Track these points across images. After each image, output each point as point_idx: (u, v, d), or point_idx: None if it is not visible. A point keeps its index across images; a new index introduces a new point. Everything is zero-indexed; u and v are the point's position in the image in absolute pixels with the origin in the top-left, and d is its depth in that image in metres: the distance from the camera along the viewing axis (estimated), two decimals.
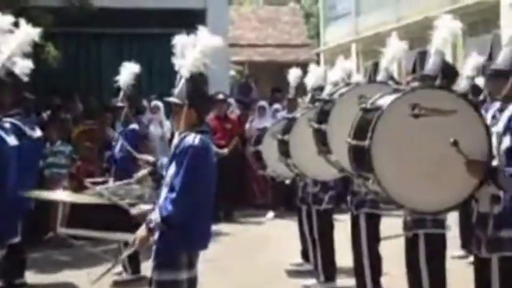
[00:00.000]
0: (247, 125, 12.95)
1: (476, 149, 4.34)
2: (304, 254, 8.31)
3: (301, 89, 8.47)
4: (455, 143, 4.22)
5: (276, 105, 13.29)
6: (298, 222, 8.21)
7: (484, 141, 4.35)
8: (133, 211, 4.79)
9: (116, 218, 5.24)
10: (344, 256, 7.17)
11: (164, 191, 4.59)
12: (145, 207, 4.74)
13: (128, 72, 8.03)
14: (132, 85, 8.03)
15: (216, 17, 14.10)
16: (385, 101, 4.51)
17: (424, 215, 5.21)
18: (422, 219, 5.34)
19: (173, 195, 4.45)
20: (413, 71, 6.08)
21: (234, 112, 13.28)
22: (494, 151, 4.41)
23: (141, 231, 4.57)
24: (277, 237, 10.37)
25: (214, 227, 8.95)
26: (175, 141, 4.68)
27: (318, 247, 7.40)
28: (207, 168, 4.57)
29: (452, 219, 7.79)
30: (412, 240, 5.47)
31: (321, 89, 7.58)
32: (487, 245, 4.47)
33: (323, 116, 5.79)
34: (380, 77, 6.47)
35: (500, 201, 4.38)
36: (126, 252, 5.03)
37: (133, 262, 7.79)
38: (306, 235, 7.81)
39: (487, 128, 4.38)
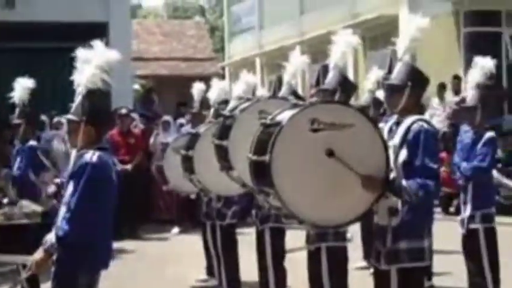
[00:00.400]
0: (151, 140, 12.82)
1: (374, 162, 4.40)
2: (209, 270, 8.26)
3: (205, 103, 8.43)
4: (330, 153, 4.26)
5: (181, 120, 13.22)
6: (203, 237, 8.16)
7: (381, 155, 4.41)
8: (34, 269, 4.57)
9: (12, 239, 5.06)
10: (249, 270, 7.15)
11: (62, 211, 4.45)
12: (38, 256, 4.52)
13: (21, 87, 7.80)
14: (28, 101, 7.81)
15: (118, 31, 13.94)
16: (284, 116, 4.52)
17: (327, 229, 5.24)
18: (324, 233, 5.38)
19: (68, 214, 4.32)
20: (317, 84, 6.13)
21: (138, 127, 13.11)
22: (392, 164, 4.48)
23: (38, 253, 4.42)
24: (183, 253, 10.27)
25: (118, 244, 8.84)
26: (73, 159, 4.55)
27: (222, 262, 7.37)
28: (105, 185, 4.46)
29: (355, 231, 7.94)
30: (314, 253, 5.50)
31: (224, 103, 7.57)
32: (385, 256, 4.54)
33: (225, 132, 5.77)
34: (282, 91, 6.51)
35: (398, 213, 4.46)
36: (23, 275, 4.85)
37: (34, 285, 7.52)
38: (211, 250, 7.76)
39: (384, 142, 4.45)
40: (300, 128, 4.37)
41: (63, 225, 4.32)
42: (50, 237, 4.37)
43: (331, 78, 5.95)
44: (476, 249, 6.54)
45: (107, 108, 4.97)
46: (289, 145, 4.35)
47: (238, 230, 7.73)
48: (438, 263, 7.72)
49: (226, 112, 6.13)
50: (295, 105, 4.70)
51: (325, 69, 6.22)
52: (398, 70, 4.75)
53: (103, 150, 4.51)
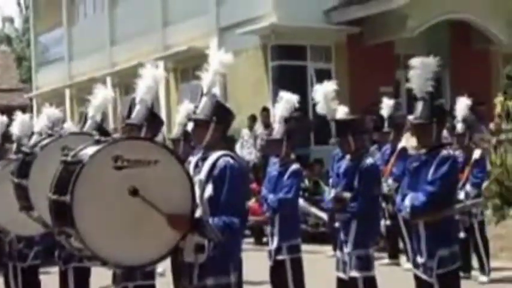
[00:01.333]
0: None
1: (180, 198, 4.32)
2: None
3: (7, 137, 7.98)
4: (134, 192, 4.16)
5: None
6: (4, 280, 7.68)
7: (187, 191, 4.34)
8: None
9: None
10: None
11: None
12: None
13: None
14: None
15: None
16: (86, 152, 4.32)
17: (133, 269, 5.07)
18: (131, 272, 5.22)
19: None
20: (129, 116, 6.00)
21: None
22: (198, 200, 4.42)
23: None
24: None
25: None
26: None
27: None
28: None
29: (168, 265, 7.80)
30: None
31: (28, 137, 7.22)
32: None
33: (24, 170, 5.46)
34: (87, 126, 6.30)
35: (205, 250, 4.39)
36: None
37: None
38: None
39: (190, 177, 4.38)
40: (102, 165, 4.19)
41: None
42: None
43: (137, 113, 5.85)
44: (284, 279, 6.64)
45: None
46: (92, 184, 4.16)
47: (44, 270, 7.37)
48: None
49: (25, 148, 5.81)
50: (98, 142, 4.51)
51: (133, 103, 6.09)
52: (204, 105, 4.71)
53: None
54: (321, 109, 7.48)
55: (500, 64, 17.40)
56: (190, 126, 8.73)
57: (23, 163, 5.58)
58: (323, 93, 7.28)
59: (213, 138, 4.59)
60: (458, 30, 17.83)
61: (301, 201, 8.96)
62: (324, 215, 10.02)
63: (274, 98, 7.50)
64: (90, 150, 4.31)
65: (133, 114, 5.81)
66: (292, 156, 7.11)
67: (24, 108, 19.98)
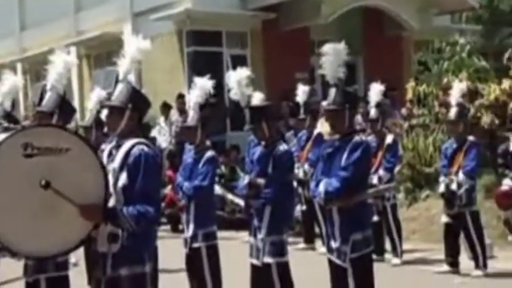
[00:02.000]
0: None
1: (93, 187, 4.24)
2: None
3: None
4: (47, 185, 4.07)
5: None
6: None
7: (100, 179, 4.26)
8: None
9: None
10: None
11: None
12: None
13: None
14: None
15: None
16: None
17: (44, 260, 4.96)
18: (43, 264, 5.10)
19: None
20: (40, 104, 5.85)
21: None
22: (112, 189, 4.34)
23: None
24: None
25: None
26: None
27: None
28: None
29: (80, 255, 7.67)
30: (33, 285, 5.25)
31: None
32: (106, 285, 4.40)
33: None
34: None
35: (118, 239, 4.33)
36: None
37: None
38: None
39: (103, 166, 4.29)
40: (12, 153, 4.06)
41: None
42: None
43: (48, 100, 5.71)
44: (200, 267, 6.63)
45: None
46: (1, 172, 4.03)
47: None
48: (165, 282, 7.71)
49: None
50: (6, 129, 4.38)
51: (44, 90, 5.94)
52: (120, 91, 4.62)
53: None
54: (234, 95, 7.48)
55: (412, 50, 17.78)
56: (104, 113, 8.67)
57: None
58: (237, 79, 7.27)
59: (127, 126, 4.51)
60: (371, 17, 18.13)
61: (217, 187, 8.96)
62: (240, 201, 10.03)
63: (190, 85, 7.43)
64: None
65: (44, 102, 5.67)
66: (208, 143, 7.07)
67: None
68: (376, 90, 9.61)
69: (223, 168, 13.22)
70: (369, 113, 9.77)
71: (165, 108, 15.48)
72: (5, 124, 4.66)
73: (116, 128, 4.56)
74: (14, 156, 4.07)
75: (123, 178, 4.36)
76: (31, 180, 4.08)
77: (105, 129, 8.59)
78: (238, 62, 17.26)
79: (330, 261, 5.60)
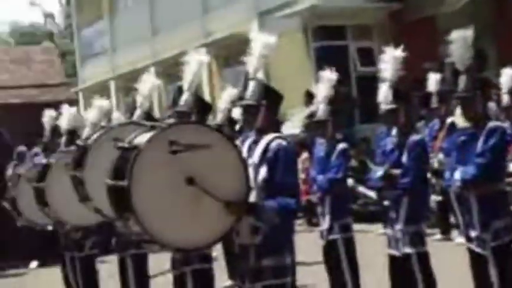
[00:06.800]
0: (9, 171, 12.27)
1: (234, 181, 4.37)
2: None
3: (57, 131, 8.15)
4: (191, 181, 4.22)
5: (35, 149, 12.75)
6: (62, 270, 7.87)
7: (241, 173, 4.38)
8: None
9: None
10: None
11: None
12: None
13: None
14: None
15: None
16: (142, 139, 4.40)
17: (189, 252, 5.17)
18: (188, 256, 5.32)
19: None
20: (174, 105, 6.09)
21: None
22: (252, 183, 4.47)
23: None
24: (42, 287, 9.89)
25: None
26: None
27: None
28: None
29: (219, 250, 7.92)
30: (180, 278, 5.45)
31: (72, 132, 7.41)
32: (249, 275, 4.53)
33: (79, 162, 5.58)
34: (136, 115, 6.41)
35: (260, 231, 4.46)
36: None
37: None
38: (72, 283, 7.50)
39: (243, 160, 4.43)
40: (158, 150, 4.26)
41: None
42: None
43: (185, 99, 5.92)
44: (337, 259, 6.69)
45: None
46: (149, 168, 4.24)
47: (100, 259, 7.53)
48: (302, 275, 7.81)
49: (79, 141, 5.94)
50: (152, 128, 4.59)
51: (179, 91, 6.17)
52: (252, 89, 4.75)
53: None
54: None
55: None
56: (235, 111, 8.89)
57: (78, 155, 5.71)
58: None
59: (264, 122, 4.64)
60: (500, 0, 17.55)
61: (349, 180, 8.99)
62: (372, 194, 10.03)
63: (317, 79, 7.48)
64: (145, 136, 4.39)
65: (182, 102, 5.88)
66: (338, 135, 7.11)
67: (71, 102, 20.26)
68: (508, 76, 9.32)
69: (353, 161, 13.19)
70: (502, 99, 9.48)
71: (308, 96, 15.50)
72: (151, 123, 4.87)
73: (253, 125, 4.70)
74: (160, 153, 4.25)
75: (263, 172, 4.49)
76: (176, 176, 4.25)
77: (237, 127, 8.86)
78: (364, 54, 17.23)
79: (470, 251, 5.53)
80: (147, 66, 21.99)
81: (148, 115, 6.45)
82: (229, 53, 19.10)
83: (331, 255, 6.77)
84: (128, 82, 22.84)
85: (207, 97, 19.62)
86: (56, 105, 9.39)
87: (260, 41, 4.85)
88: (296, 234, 4.82)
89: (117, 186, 4.32)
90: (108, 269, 7.53)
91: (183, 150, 4.25)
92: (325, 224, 6.77)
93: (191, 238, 4.37)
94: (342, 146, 6.89)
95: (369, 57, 17.21)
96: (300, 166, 11.75)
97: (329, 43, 16.76)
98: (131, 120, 6.34)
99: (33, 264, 11.79)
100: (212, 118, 14.60)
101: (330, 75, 7.06)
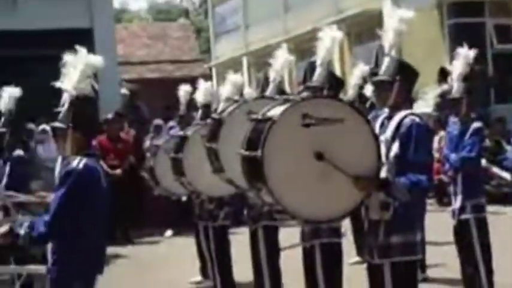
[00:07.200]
0: (147, 143, 12.80)
1: (365, 156, 4.38)
2: (204, 271, 8.25)
3: (192, 105, 8.42)
4: (320, 156, 4.25)
5: (171, 122, 13.20)
6: (196, 239, 8.14)
7: (372, 149, 4.39)
8: None
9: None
10: (244, 271, 7.15)
11: None
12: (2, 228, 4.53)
13: (7, 96, 7.76)
14: (13, 109, 7.77)
15: (103, 36, 13.90)
16: (276, 111, 4.49)
17: (320, 225, 5.24)
18: (318, 229, 5.38)
19: (48, 217, 4.32)
20: (304, 81, 6.13)
21: (130, 132, 13.12)
22: (384, 158, 4.48)
23: (4, 227, 4.42)
24: (176, 255, 10.27)
25: (111, 249, 8.82)
26: (61, 165, 4.54)
27: (215, 264, 7.36)
28: (93, 191, 4.42)
29: (348, 226, 7.95)
30: (309, 251, 5.51)
31: (207, 106, 7.62)
32: (378, 251, 4.54)
33: (214, 134, 5.76)
34: (269, 89, 6.50)
35: (390, 207, 4.46)
36: (17, 285, 4.85)
37: None
38: (204, 252, 7.75)
39: (375, 135, 4.43)
40: (291, 123, 4.33)
41: (39, 225, 4.31)
42: (24, 226, 4.34)
43: (318, 75, 5.93)
44: (468, 239, 6.56)
45: (93, 114, 4.93)
46: (281, 140, 4.32)
47: (231, 230, 7.74)
48: (431, 255, 7.75)
49: (214, 115, 6.12)
50: (286, 101, 4.66)
51: (311, 66, 6.19)
52: (387, 65, 4.73)
53: (91, 157, 4.49)
54: None
55: None
56: (367, 88, 8.85)
57: (213, 128, 5.89)
58: None
59: (397, 98, 4.61)
60: None
61: (483, 161, 8.76)
62: (507, 175, 9.72)
63: (451, 57, 7.32)
64: (279, 108, 4.47)
65: (314, 77, 5.92)
66: (473, 114, 6.95)
67: (205, 78, 20.73)
68: None
69: (487, 141, 12.82)
70: None
71: (442, 74, 15.19)
72: (284, 97, 4.95)
73: (386, 101, 4.68)
74: (293, 125, 4.32)
75: (395, 148, 4.47)
76: (307, 149, 4.31)
77: (367, 104, 8.82)
78: (501, 31, 16.65)
79: None
80: (279, 43, 22.13)
81: (280, 90, 6.53)
82: (361, 29, 18.96)
83: (462, 235, 6.66)
84: (259, 58, 23.15)
85: (338, 74, 19.58)
86: (190, 80, 9.68)
87: (396, 16, 4.81)
88: (427, 213, 4.79)
89: (250, 157, 4.43)
90: (239, 240, 7.71)
91: (315, 124, 4.30)
92: (456, 203, 6.65)
93: (320, 211, 4.43)
94: (476, 124, 6.73)
95: (507, 35, 16.64)
96: (435, 145, 11.60)
97: (465, 20, 16.31)
98: (264, 94, 6.45)
99: (168, 233, 12.21)
100: (343, 95, 14.61)
101: (466, 52, 6.89)
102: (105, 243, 4.66)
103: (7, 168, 7.75)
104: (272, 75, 6.50)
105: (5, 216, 6.02)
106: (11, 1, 11.42)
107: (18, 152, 7.94)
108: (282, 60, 6.59)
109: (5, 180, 7.79)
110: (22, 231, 4.34)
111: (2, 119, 7.80)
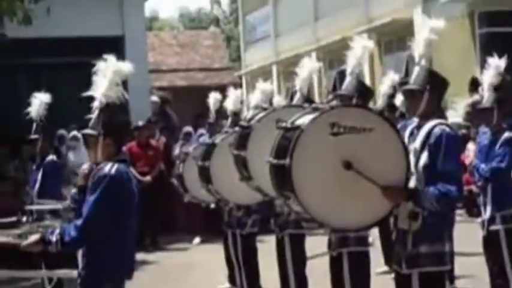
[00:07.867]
0: (176, 150, 12.87)
1: (394, 166, 4.38)
2: (231, 279, 8.26)
3: (221, 112, 8.47)
4: (348, 166, 4.26)
5: (201, 130, 13.26)
6: (224, 246, 8.17)
7: (401, 159, 4.39)
8: (23, 243, 4.64)
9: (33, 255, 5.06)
10: (271, 278, 7.16)
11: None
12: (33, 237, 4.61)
13: (39, 103, 7.87)
14: (45, 116, 7.87)
15: (134, 44, 14.02)
16: (304, 120, 4.51)
17: (347, 233, 5.24)
18: (345, 238, 5.37)
19: (79, 222, 4.38)
20: (334, 90, 6.13)
21: (160, 139, 13.22)
22: (413, 168, 4.47)
23: (34, 237, 4.51)
24: (204, 262, 10.29)
25: (140, 255, 8.89)
26: (93, 172, 4.59)
27: (243, 271, 7.39)
28: (123, 197, 4.48)
29: (375, 235, 7.93)
30: (336, 259, 5.50)
31: (237, 114, 7.65)
32: (406, 261, 4.53)
33: (242, 142, 5.78)
34: (296, 98, 6.52)
35: (419, 217, 4.45)
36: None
37: None
38: (232, 259, 7.78)
39: (404, 145, 4.43)
40: (320, 131, 4.35)
41: (70, 231, 4.37)
42: (56, 236, 4.40)
43: (348, 83, 5.94)
44: (498, 250, 6.51)
45: (123, 121, 4.99)
46: (310, 149, 4.34)
47: (258, 238, 7.76)
48: (460, 266, 7.68)
49: (243, 122, 6.15)
50: (315, 109, 4.67)
51: (341, 75, 6.22)
52: (417, 74, 4.71)
53: (122, 163, 4.55)
54: None
55: None
56: (397, 97, 8.82)
57: (241, 136, 5.91)
58: None
59: (427, 108, 4.59)
60: None
61: None
62: None
63: (482, 67, 7.28)
64: (308, 117, 4.48)
65: (344, 85, 5.94)
66: (504, 124, 6.90)
67: (234, 86, 20.79)
68: None
69: None
70: None
71: (474, 84, 15.08)
72: (313, 105, 4.96)
73: (416, 110, 4.66)
74: (322, 134, 4.33)
75: (424, 157, 4.46)
76: (335, 158, 4.32)
77: (397, 113, 8.79)
78: None
79: None
80: (309, 52, 22.19)
81: (307, 99, 6.54)
82: (391, 38, 18.91)
83: (491, 246, 6.61)
84: (289, 67, 23.15)
85: (367, 83, 19.54)
86: (220, 88, 9.73)
87: (427, 25, 4.79)
88: (456, 224, 4.76)
89: (278, 165, 4.45)
90: (266, 248, 7.73)
91: (344, 133, 4.32)
92: (486, 214, 6.61)
93: (348, 219, 4.44)
94: (507, 135, 6.68)
95: None
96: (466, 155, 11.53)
97: (496, 29, 16.20)
98: (292, 103, 6.47)
99: (197, 240, 12.26)
100: (372, 104, 14.58)
101: (497, 62, 6.85)
102: (135, 248, 4.71)
103: (40, 174, 7.84)
104: (298, 84, 6.51)
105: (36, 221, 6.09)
106: (44, 9, 11.57)
107: (52, 157, 8.03)
108: (308, 68, 6.60)
109: (37, 186, 7.90)
110: (54, 238, 4.40)
111: (34, 126, 7.91)
